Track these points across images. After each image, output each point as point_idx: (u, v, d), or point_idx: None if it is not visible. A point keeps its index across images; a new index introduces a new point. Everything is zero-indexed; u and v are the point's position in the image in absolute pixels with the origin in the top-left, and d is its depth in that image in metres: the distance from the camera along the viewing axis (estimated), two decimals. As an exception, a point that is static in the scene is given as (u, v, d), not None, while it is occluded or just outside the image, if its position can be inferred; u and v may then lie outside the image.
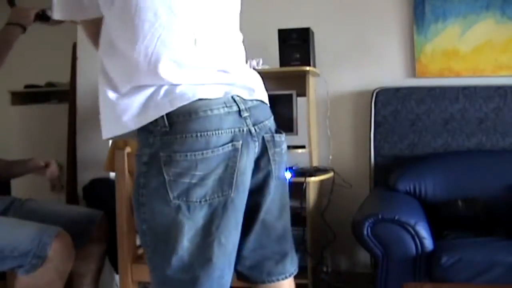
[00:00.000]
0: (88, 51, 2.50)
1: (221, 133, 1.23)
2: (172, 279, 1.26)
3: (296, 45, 2.96)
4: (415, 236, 2.22)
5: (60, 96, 3.46)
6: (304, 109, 3.03)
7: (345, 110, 3.23)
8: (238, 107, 1.27)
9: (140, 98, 1.23)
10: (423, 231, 2.22)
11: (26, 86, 3.68)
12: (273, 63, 3.00)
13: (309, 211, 2.82)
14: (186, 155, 1.21)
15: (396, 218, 2.23)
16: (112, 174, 2.29)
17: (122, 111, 1.24)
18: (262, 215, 1.38)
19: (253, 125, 1.30)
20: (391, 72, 3.15)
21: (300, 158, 3.01)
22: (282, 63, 2.97)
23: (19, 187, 2.69)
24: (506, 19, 2.97)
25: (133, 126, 1.24)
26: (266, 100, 1.41)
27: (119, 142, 2.10)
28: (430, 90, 3.00)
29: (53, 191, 2.22)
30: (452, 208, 2.54)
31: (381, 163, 3.02)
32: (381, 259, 2.27)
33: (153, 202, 1.24)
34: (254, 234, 1.39)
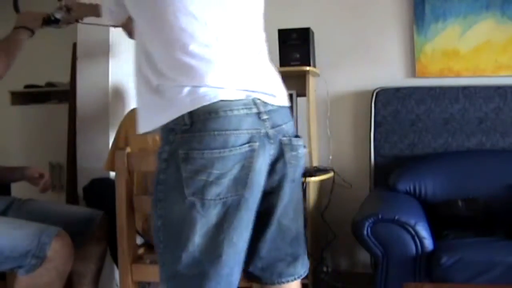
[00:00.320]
0: (88, 51, 2.51)
1: (240, 133, 1.27)
2: (181, 274, 1.28)
3: (296, 45, 2.96)
4: (415, 236, 2.22)
5: (60, 96, 3.46)
6: (304, 109, 3.03)
7: (345, 110, 3.23)
8: (258, 109, 1.31)
9: (165, 97, 1.28)
10: (423, 231, 2.22)
11: (26, 86, 3.68)
12: (273, 63, 2.98)
13: (309, 211, 2.82)
14: (203, 153, 1.24)
15: (396, 218, 2.24)
16: (112, 174, 2.29)
17: (152, 108, 1.31)
18: (277, 217, 1.41)
19: (271, 128, 1.33)
20: (391, 72, 3.15)
21: (300, 158, 3.00)
22: (282, 63, 2.97)
23: (19, 187, 2.69)
24: (506, 19, 2.97)
25: (158, 123, 1.29)
26: (287, 103, 1.44)
27: (120, 142, 2.10)
28: (430, 90, 3.00)
29: (42, 193, 2.20)
30: (452, 208, 2.54)
31: (381, 163, 3.02)
32: (381, 259, 2.27)
33: (169, 198, 1.28)
34: (270, 235, 1.42)
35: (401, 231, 2.23)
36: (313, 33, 3.03)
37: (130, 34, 1.87)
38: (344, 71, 3.20)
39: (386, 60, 3.16)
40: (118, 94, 2.57)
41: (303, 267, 1.51)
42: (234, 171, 1.26)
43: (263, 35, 1.46)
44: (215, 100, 1.25)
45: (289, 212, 1.44)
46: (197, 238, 1.26)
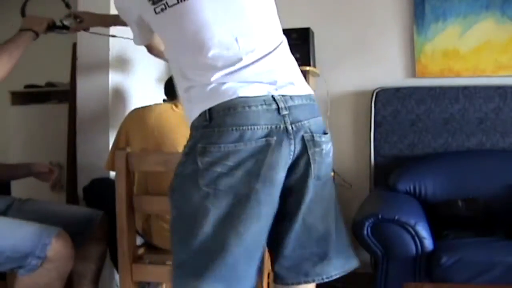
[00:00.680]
0: (88, 51, 2.51)
1: (257, 128, 1.30)
2: (189, 263, 1.32)
3: (296, 45, 2.94)
4: (415, 236, 2.22)
5: (60, 96, 3.46)
6: (304, 109, 3.02)
7: (345, 110, 3.23)
8: (278, 105, 1.33)
9: (192, 98, 1.38)
10: (423, 231, 2.22)
11: (26, 86, 3.67)
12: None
13: (309, 211, 2.82)
14: (220, 146, 1.29)
15: (396, 218, 2.24)
16: (112, 174, 2.29)
17: (187, 110, 1.41)
18: (302, 214, 1.39)
19: (291, 124, 1.34)
20: (391, 72, 3.15)
21: (300, 158, 3.00)
22: (282, 63, 2.97)
23: (19, 187, 2.69)
24: (506, 19, 2.97)
25: (189, 123, 1.39)
26: (308, 91, 1.44)
27: (121, 142, 2.10)
28: (430, 90, 3.00)
29: (53, 191, 2.22)
30: (452, 208, 2.54)
31: (381, 163, 3.02)
32: (381, 259, 2.27)
33: (184, 189, 1.34)
34: (294, 233, 1.40)
35: (401, 231, 2.23)
36: (313, 33, 3.03)
37: (150, 50, 1.99)
38: (344, 71, 3.20)
39: (386, 60, 3.16)
40: (118, 94, 2.57)
41: (335, 269, 1.47)
42: (249, 164, 1.30)
43: (279, 27, 1.50)
44: (234, 97, 1.31)
45: (315, 210, 1.41)
46: (208, 228, 1.30)
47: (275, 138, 1.31)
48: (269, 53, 1.39)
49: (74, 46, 2.74)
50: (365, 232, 2.26)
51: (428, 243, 2.22)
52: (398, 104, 3.02)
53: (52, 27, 2.01)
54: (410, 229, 2.22)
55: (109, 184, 2.22)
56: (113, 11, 1.89)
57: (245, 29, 1.39)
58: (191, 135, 1.37)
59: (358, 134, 3.20)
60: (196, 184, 1.31)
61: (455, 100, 2.96)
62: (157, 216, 2.02)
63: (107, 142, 2.46)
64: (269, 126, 1.31)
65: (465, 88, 2.96)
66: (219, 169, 1.30)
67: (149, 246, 2.08)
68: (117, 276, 2.31)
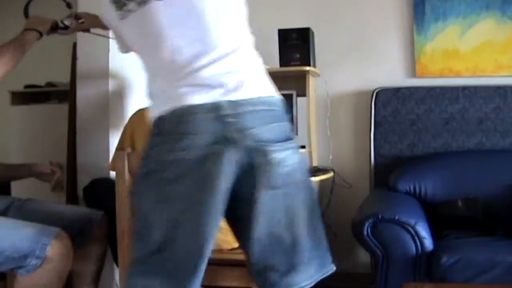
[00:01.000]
0: (88, 51, 2.50)
1: (202, 136, 1.30)
2: (142, 261, 1.38)
3: (296, 45, 2.96)
4: (415, 236, 2.22)
5: (60, 96, 3.46)
6: (304, 109, 3.03)
7: (345, 110, 3.23)
8: (223, 112, 1.31)
9: (150, 100, 1.43)
10: (423, 231, 2.22)
11: (26, 86, 3.68)
12: (273, 63, 2.99)
13: (309, 211, 2.82)
14: (168, 154, 1.32)
15: (396, 218, 2.24)
16: (113, 174, 2.29)
17: (149, 109, 1.45)
18: (256, 225, 1.36)
19: (237, 131, 1.31)
20: (391, 72, 3.15)
21: (300, 158, 3.00)
22: (282, 63, 2.97)
23: (19, 187, 2.69)
24: (506, 19, 2.97)
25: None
26: (267, 96, 1.39)
27: (125, 142, 2.11)
28: (430, 90, 3.00)
29: (54, 191, 2.22)
30: (452, 208, 2.54)
31: (381, 163, 3.02)
32: (381, 259, 2.27)
33: (137, 192, 1.41)
34: (257, 243, 1.38)
35: (401, 231, 2.23)
36: (313, 33, 3.03)
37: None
38: (344, 71, 3.20)
39: (386, 60, 3.16)
40: (118, 94, 2.57)
41: (306, 278, 1.44)
42: (194, 172, 1.31)
43: (242, 30, 1.45)
44: (181, 104, 1.32)
45: (280, 220, 1.37)
46: (156, 231, 1.35)
47: (219, 146, 1.30)
48: (224, 57, 1.35)
49: (74, 46, 2.74)
50: (365, 232, 2.26)
51: (428, 243, 2.22)
52: (398, 104, 3.02)
53: (55, 28, 2.02)
54: (410, 229, 2.22)
55: (109, 184, 2.21)
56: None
57: (200, 34, 1.36)
58: (147, 141, 1.40)
59: (358, 134, 3.20)
60: (149, 188, 1.36)
61: (455, 100, 2.96)
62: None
63: (107, 142, 2.46)
64: (214, 135, 1.30)
65: (465, 88, 2.96)
66: (167, 176, 1.32)
67: (149, 246, 2.07)
68: (117, 276, 2.31)
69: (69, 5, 2.10)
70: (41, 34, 1.97)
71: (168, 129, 1.34)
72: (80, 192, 2.48)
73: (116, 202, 1.83)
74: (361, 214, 2.35)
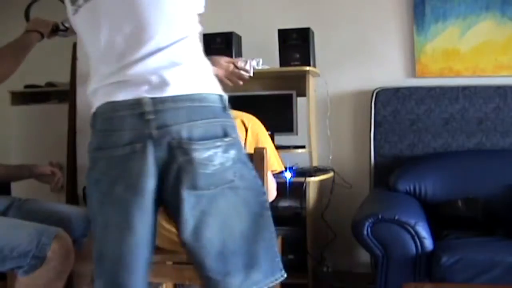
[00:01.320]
0: (88, 51, 2.51)
1: (123, 134, 1.29)
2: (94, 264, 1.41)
3: (296, 45, 2.96)
4: (415, 236, 2.22)
5: (60, 96, 3.46)
6: (304, 109, 3.03)
7: (345, 110, 3.23)
8: (143, 109, 1.27)
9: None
10: (423, 231, 2.22)
11: (26, 86, 3.67)
12: (273, 63, 3.00)
13: (309, 211, 2.82)
14: (95, 153, 1.36)
15: (396, 218, 2.24)
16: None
17: None
18: (185, 227, 1.30)
19: (156, 129, 1.27)
20: (391, 72, 3.15)
21: (300, 158, 3.00)
22: (282, 63, 2.97)
23: (19, 187, 2.69)
24: (506, 19, 2.97)
25: None
26: (194, 92, 1.31)
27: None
28: (430, 90, 3.00)
29: (53, 191, 2.22)
30: (452, 208, 2.54)
31: (381, 163, 3.02)
32: (381, 259, 2.27)
33: (88, 193, 1.43)
34: (186, 245, 1.33)
35: (401, 231, 2.23)
36: (313, 33, 3.03)
37: None
38: (344, 71, 3.20)
39: (386, 60, 3.16)
40: (118, 94, 2.57)
41: (249, 284, 1.34)
42: (118, 171, 1.30)
43: (183, 24, 1.36)
44: (105, 102, 1.32)
45: (208, 224, 1.30)
46: (96, 234, 1.38)
47: (140, 144, 1.27)
48: (156, 52, 1.30)
49: (74, 46, 2.75)
50: (365, 232, 2.26)
51: (428, 243, 2.22)
52: (398, 104, 3.02)
53: (56, 30, 2.03)
54: (410, 229, 2.22)
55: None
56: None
57: (134, 29, 1.31)
58: None
59: (358, 134, 3.20)
60: (89, 189, 1.40)
61: (455, 100, 2.96)
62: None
63: (107, 142, 2.45)
64: (136, 132, 1.28)
65: (465, 88, 2.96)
66: (96, 175, 1.35)
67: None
68: (117, 276, 2.31)
69: None
70: (42, 36, 1.98)
71: (98, 127, 1.35)
72: (80, 192, 2.49)
73: (116, 202, 1.83)
74: (361, 214, 2.35)
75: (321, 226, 3.00)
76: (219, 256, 1.32)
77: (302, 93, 3.01)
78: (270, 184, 1.88)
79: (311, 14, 3.22)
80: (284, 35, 2.98)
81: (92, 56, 1.41)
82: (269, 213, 1.40)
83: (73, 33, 2.13)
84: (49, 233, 1.75)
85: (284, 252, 2.42)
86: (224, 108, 1.36)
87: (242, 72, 1.94)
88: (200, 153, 1.28)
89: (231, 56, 3.01)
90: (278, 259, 1.42)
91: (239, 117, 2.04)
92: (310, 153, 2.98)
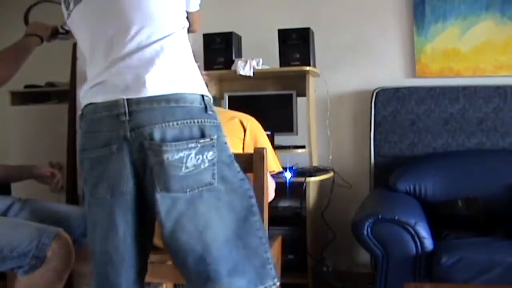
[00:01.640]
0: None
1: (100, 135, 1.31)
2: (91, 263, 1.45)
3: (296, 45, 2.96)
4: (415, 236, 2.22)
5: (60, 96, 3.46)
6: (304, 109, 3.03)
7: (345, 110, 3.23)
8: (119, 110, 1.27)
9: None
10: (423, 231, 2.22)
11: (26, 86, 3.67)
12: (273, 63, 3.00)
13: (309, 211, 2.82)
14: (80, 154, 1.40)
15: (396, 218, 2.24)
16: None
17: None
18: (163, 229, 1.29)
19: (130, 130, 1.27)
20: (391, 72, 3.15)
21: (300, 158, 3.01)
22: (282, 63, 2.97)
23: (19, 187, 2.69)
24: (506, 19, 2.97)
25: None
26: (170, 92, 1.28)
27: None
28: (430, 90, 3.00)
29: (53, 192, 2.22)
30: (452, 208, 2.54)
31: (381, 163, 3.02)
32: (381, 259, 2.27)
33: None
34: (167, 247, 1.32)
35: (401, 231, 2.23)
36: (313, 33, 3.03)
37: None
38: (344, 71, 3.20)
39: (386, 60, 3.16)
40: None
41: None
42: (97, 172, 1.33)
43: (168, 23, 1.34)
44: (87, 103, 1.36)
45: (185, 227, 1.27)
46: (88, 233, 1.43)
47: (115, 146, 1.29)
48: (134, 52, 1.29)
49: (74, 46, 2.75)
50: (365, 232, 2.26)
51: (428, 243, 2.22)
52: (398, 104, 3.02)
53: (55, 33, 2.03)
54: (410, 229, 2.22)
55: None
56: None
57: (117, 30, 1.32)
58: None
59: (358, 134, 3.20)
60: (84, 190, 1.41)
61: (455, 100, 2.96)
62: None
63: (107, 142, 2.45)
64: (110, 133, 1.29)
65: (465, 88, 2.96)
66: (83, 176, 1.38)
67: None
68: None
69: None
70: (42, 40, 1.98)
71: (83, 128, 1.38)
72: (80, 192, 2.49)
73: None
74: (361, 214, 2.35)
75: (321, 226, 3.00)
76: (199, 261, 1.28)
77: (302, 93, 3.01)
78: (268, 185, 1.88)
79: (311, 14, 3.22)
80: (284, 35, 2.98)
81: (86, 58, 1.44)
82: (256, 218, 1.35)
83: (73, 36, 2.15)
84: (49, 233, 1.75)
85: (284, 252, 2.42)
86: (205, 108, 1.31)
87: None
88: (171, 155, 1.24)
89: (231, 56, 3.01)
90: (270, 266, 1.35)
91: (237, 117, 2.04)
92: (310, 153, 2.98)
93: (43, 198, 2.24)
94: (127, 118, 1.27)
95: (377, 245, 2.26)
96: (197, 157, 1.26)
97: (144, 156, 1.28)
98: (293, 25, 3.00)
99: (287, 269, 2.44)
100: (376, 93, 3.06)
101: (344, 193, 3.06)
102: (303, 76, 2.98)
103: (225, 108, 2.94)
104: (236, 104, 2.92)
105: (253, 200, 1.36)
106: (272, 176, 2.01)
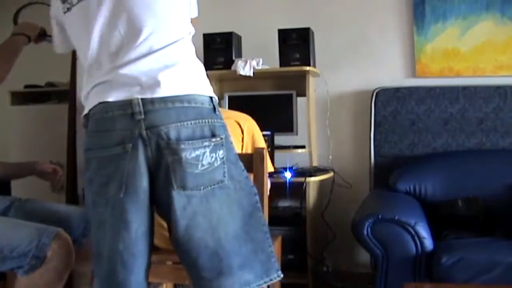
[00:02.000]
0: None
1: (113, 134, 1.31)
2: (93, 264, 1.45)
3: (296, 45, 2.96)
4: (415, 236, 2.22)
5: (60, 96, 3.46)
6: (304, 109, 3.03)
7: (345, 110, 3.23)
8: (133, 109, 1.30)
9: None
10: (423, 231, 2.22)
11: (26, 86, 3.67)
12: (273, 63, 3.00)
13: (309, 211, 2.82)
14: (89, 153, 1.38)
15: (396, 218, 2.24)
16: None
17: None
18: (176, 226, 1.32)
19: (146, 129, 1.30)
20: (391, 72, 3.15)
21: (300, 158, 3.01)
22: (282, 63, 2.97)
23: (19, 187, 2.69)
24: (506, 19, 2.97)
25: None
26: (183, 93, 1.32)
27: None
28: (430, 90, 3.00)
29: (54, 191, 2.22)
30: (452, 208, 2.54)
31: (381, 163, 3.02)
32: (381, 259, 2.27)
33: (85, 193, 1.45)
34: (178, 244, 1.35)
35: (401, 231, 2.23)
36: (313, 33, 3.03)
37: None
38: (344, 71, 3.20)
39: (386, 60, 3.16)
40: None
41: (241, 285, 1.35)
42: (110, 171, 1.32)
43: (177, 26, 1.39)
44: (97, 102, 1.34)
45: (199, 224, 1.32)
46: (93, 232, 1.41)
47: (130, 144, 1.30)
48: (148, 54, 1.33)
49: (74, 46, 2.74)
50: (365, 232, 2.26)
51: (428, 243, 2.22)
52: (398, 104, 3.02)
53: (43, 35, 2.02)
54: (410, 229, 2.22)
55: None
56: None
57: (128, 30, 1.34)
58: None
59: (358, 134, 3.20)
60: (86, 189, 1.41)
61: (455, 100, 2.96)
62: (157, 216, 2.02)
63: (107, 142, 2.45)
64: (125, 132, 1.30)
65: (465, 88, 2.96)
66: (89, 175, 1.37)
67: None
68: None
69: None
70: (29, 39, 1.96)
71: (90, 128, 1.37)
72: (80, 192, 2.49)
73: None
74: (361, 214, 2.35)
75: (321, 226, 3.00)
76: (213, 256, 1.34)
77: (302, 93, 3.01)
78: None
79: (311, 14, 3.22)
80: (284, 35, 2.98)
81: (84, 55, 1.41)
82: (260, 213, 1.42)
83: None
84: (49, 233, 1.75)
85: (284, 252, 2.42)
86: (213, 109, 1.37)
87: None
88: (189, 153, 1.30)
89: (231, 56, 3.02)
90: (274, 259, 1.42)
91: (233, 117, 2.04)
92: (310, 153, 2.98)
93: (43, 198, 2.24)
94: (143, 117, 1.29)
95: (377, 245, 2.26)
96: (211, 155, 1.32)
97: (159, 155, 1.31)
98: (293, 25, 3.00)
99: (287, 269, 2.41)
100: (376, 93, 3.06)
101: (344, 193, 3.06)
102: (303, 76, 2.98)
103: (225, 108, 2.94)
104: (236, 104, 2.92)
105: (257, 197, 1.42)
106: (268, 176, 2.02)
